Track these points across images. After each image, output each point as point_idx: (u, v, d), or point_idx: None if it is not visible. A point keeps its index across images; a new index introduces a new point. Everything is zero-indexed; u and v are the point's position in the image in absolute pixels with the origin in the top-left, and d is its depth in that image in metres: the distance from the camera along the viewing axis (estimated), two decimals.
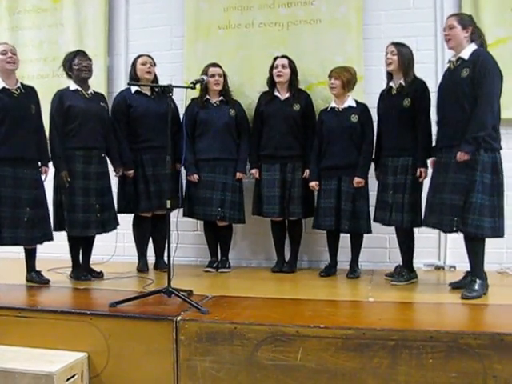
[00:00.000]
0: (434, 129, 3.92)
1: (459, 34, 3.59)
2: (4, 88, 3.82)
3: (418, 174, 3.95)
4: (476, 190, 3.43)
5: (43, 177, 4.05)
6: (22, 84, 3.95)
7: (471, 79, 3.49)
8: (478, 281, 3.52)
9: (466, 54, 3.58)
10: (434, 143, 3.94)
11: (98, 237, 4.35)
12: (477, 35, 3.63)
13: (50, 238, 4.02)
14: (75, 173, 4.09)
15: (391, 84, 4.12)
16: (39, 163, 4.02)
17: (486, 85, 3.45)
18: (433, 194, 3.70)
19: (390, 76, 4.15)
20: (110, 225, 4.31)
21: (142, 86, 4.58)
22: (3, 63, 3.82)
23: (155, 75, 4.68)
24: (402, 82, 4.03)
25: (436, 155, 3.81)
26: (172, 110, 4.28)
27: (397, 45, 4.04)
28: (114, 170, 4.40)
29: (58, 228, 4.14)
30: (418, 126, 3.97)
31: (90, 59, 4.23)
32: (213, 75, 4.61)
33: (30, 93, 3.98)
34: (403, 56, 3.99)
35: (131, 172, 4.51)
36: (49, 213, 4.05)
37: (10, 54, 3.84)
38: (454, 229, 3.53)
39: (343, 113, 4.39)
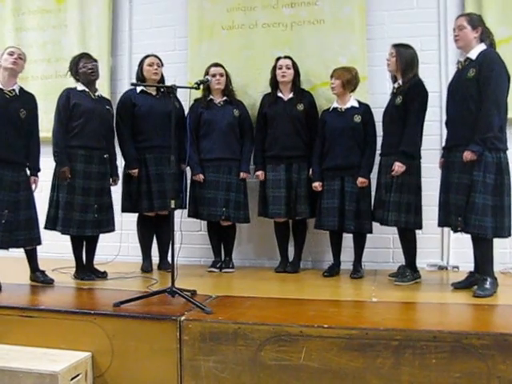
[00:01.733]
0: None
1: (469, 35, 3.59)
2: None
3: (395, 168, 3.93)
4: (478, 189, 3.44)
5: (33, 186, 4.00)
6: (21, 89, 3.94)
7: (477, 80, 3.49)
8: (488, 279, 3.54)
9: (473, 54, 3.58)
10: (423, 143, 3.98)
11: (101, 237, 4.37)
12: (486, 35, 3.63)
13: (38, 243, 3.99)
14: (76, 171, 4.10)
15: (394, 85, 4.13)
16: (27, 169, 3.97)
17: (492, 85, 3.45)
18: (442, 194, 3.72)
19: (394, 77, 4.15)
20: (107, 226, 4.29)
21: (147, 86, 4.58)
22: (6, 62, 3.83)
23: (162, 75, 4.68)
24: (400, 82, 4.03)
25: (444, 155, 3.82)
26: (177, 110, 4.31)
27: (396, 46, 4.04)
28: (111, 179, 4.37)
29: (51, 226, 4.13)
30: (406, 124, 3.94)
31: (95, 60, 4.25)
32: (214, 75, 4.62)
33: (26, 98, 3.97)
34: (401, 57, 3.98)
35: (135, 171, 4.51)
36: (37, 216, 3.99)
37: (15, 56, 3.85)
38: (459, 229, 3.55)
39: (346, 113, 4.39)
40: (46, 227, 4.14)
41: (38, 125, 4.07)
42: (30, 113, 3.96)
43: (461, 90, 3.58)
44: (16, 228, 3.84)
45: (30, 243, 3.94)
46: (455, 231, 3.65)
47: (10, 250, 3.88)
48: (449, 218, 3.66)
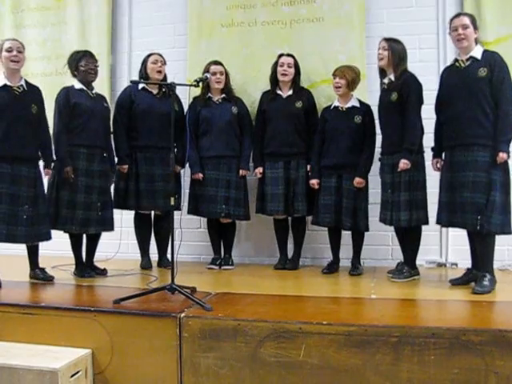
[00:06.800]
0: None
1: (472, 35, 3.61)
2: (5, 85, 3.80)
3: (400, 165, 3.90)
4: (495, 188, 3.46)
5: (47, 177, 4.06)
6: (26, 82, 3.93)
7: (490, 79, 3.51)
8: (488, 276, 3.55)
9: (477, 53, 3.59)
10: (424, 138, 3.99)
11: (102, 234, 4.37)
12: (478, 39, 3.69)
13: (49, 237, 4.01)
14: (78, 170, 4.11)
15: (384, 80, 4.12)
16: (40, 163, 4.01)
17: (506, 85, 3.50)
18: (449, 193, 3.67)
19: (383, 72, 4.14)
20: (109, 224, 4.31)
21: (148, 84, 4.57)
22: (7, 61, 3.81)
23: (165, 74, 4.67)
24: (391, 77, 4.03)
25: (446, 154, 3.78)
26: (176, 110, 4.29)
27: (388, 40, 4.04)
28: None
29: (52, 225, 4.13)
30: (406, 119, 3.92)
31: (96, 61, 4.25)
32: (214, 73, 4.61)
33: (33, 92, 3.95)
34: (394, 51, 3.98)
35: (125, 167, 4.50)
36: (48, 211, 4.04)
37: (15, 53, 3.81)
38: (478, 228, 3.51)
39: (347, 113, 4.39)
40: None
41: (46, 117, 4.08)
42: (40, 107, 3.97)
43: (470, 89, 3.56)
44: (35, 222, 3.88)
45: (46, 237, 3.99)
46: (473, 230, 3.59)
47: (10, 246, 3.89)
48: (458, 218, 3.62)
